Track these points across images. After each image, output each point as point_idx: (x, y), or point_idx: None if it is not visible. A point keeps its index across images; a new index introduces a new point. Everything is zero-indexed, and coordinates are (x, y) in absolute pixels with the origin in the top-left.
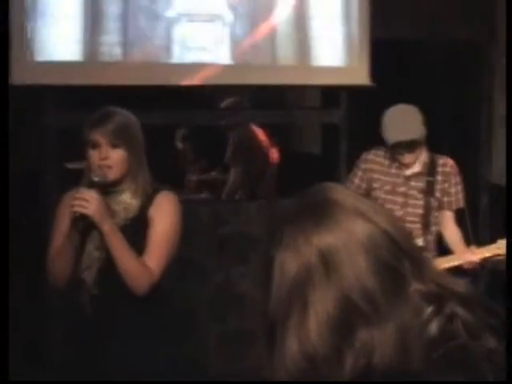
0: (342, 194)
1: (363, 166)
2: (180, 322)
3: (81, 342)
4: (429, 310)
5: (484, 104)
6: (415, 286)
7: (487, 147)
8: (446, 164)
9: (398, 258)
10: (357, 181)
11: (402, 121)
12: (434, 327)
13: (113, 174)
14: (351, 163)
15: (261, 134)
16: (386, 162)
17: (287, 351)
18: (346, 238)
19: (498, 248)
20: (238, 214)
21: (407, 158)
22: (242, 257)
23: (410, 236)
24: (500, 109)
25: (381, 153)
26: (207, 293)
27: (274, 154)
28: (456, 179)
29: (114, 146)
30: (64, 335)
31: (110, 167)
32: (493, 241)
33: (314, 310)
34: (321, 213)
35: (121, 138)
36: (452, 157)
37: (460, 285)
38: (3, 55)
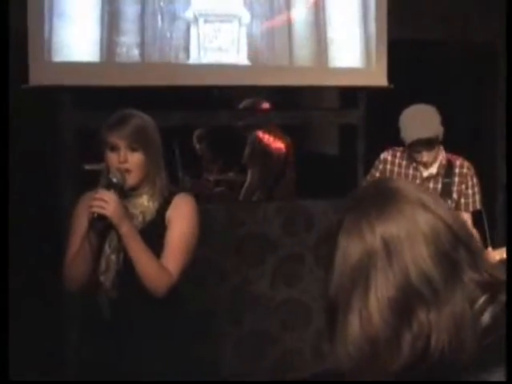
0: (404, 184)
1: (381, 166)
2: (197, 323)
3: (99, 344)
4: (482, 298)
5: (500, 105)
6: (470, 275)
7: (503, 148)
8: (463, 165)
9: (455, 248)
10: None
11: (421, 119)
12: (487, 316)
13: (132, 179)
14: (369, 164)
15: (279, 135)
16: (404, 163)
17: (349, 334)
18: (409, 227)
19: None
20: (256, 215)
21: (425, 156)
22: (259, 258)
23: (466, 227)
24: None
25: (398, 154)
26: (224, 294)
27: (292, 155)
28: (473, 181)
29: (133, 149)
30: (81, 338)
31: (129, 171)
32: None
33: (375, 293)
34: (385, 201)
35: (139, 141)
36: (468, 158)
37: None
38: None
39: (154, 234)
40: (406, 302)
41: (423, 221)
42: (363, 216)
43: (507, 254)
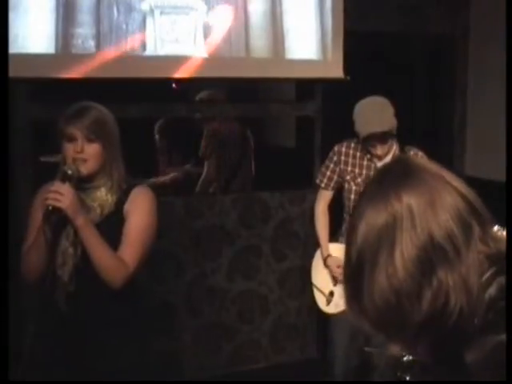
0: (426, 161)
1: (335, 158)
2: (155, 316)
3: (55, 339)
4: (490, 271)
5: (457, 96)
6: (479, 246)
7: (461, 139)
8: (417, 155)
9: (470, 219)
10: (328, 173)
11: (374, 113)
12: (494, 287)
13: (87, 168)
14: (326, 156)
15: (235, 127)
16: (358, 154)
17: (376, 286)
18: (432, 195)
19: None
20: (212, 207)
21: (379, 149)
22: (216, 250)
23: (481, 203)
24: (473, 101)
25: (353, 145)
26: (182, 286)
27: (249, 147)
28: None
29: (90, 140)
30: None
31: (84, 160)
32: None
33: (400, 250)
34: (409, 173)
35: (97, 132)
36: (426, 149)
37: None
38: None
39: (112, 226)
40: (429, 259)
41: (445, 192)
42: (390, 184)
43: (507, 254)
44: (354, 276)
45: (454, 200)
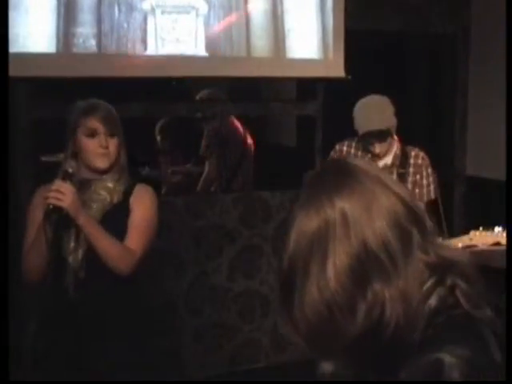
0: (364, 162)
1: (336, 156)
2: (156, 315)
3: (57, 334)
4: (430, 281)
5: (458, 96)
6: (419, 255)
7: (462, 139)
8: (418, 156)
9: (410, 225)
10: None
11: (372, 111)
12: (434, 299)
13: (109, 162)
14: (327, 155)
15: (236, 127)
16: (359, 154)
17: (307, 298)
18: (367, 199)
19: (471, 239)
20: (213, 206)
21: (377, 147)
22: (217, 249)
23: (422, 209)
24: (474, 100)
25: (354, 144)
26: (182, 285)
27: (250, 147)
28: (427, 171)
29: (112, 134)
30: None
31: (108, 154)
32: (465, 232)
33: (333, 260)
34: (345, 177)
35: (115, 125)
36: (427, 149)
37: (463, 256)
38: None
39: (120, 215)
40: (363, 270)
41: (382, 196)
42: (323, 188)
43: (507, 254)
44: (285, 285)
45: (391, 205)
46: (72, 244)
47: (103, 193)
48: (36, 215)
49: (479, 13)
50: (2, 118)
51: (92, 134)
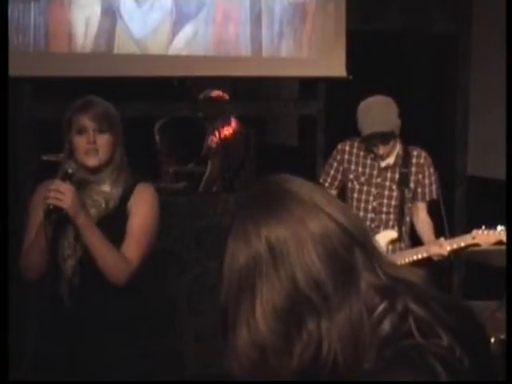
0: (297, 184)
1: (338, 156)
2: (158, 314)
3: (57, 335)
4: (381, 306)
5: (459, 95)
6: (367, 279)
7: (463, 139)
8: (420, 155)
9: (350, 251)
10: (332, 172)
11: (377, 112)
12: (386, 325)
13: (98, 159)
14: (328, 155)
15: (238, 126)
16: (362, 153)
17: (238, 340)
18: (297, 228)
19: (473, 238)
20: (215, 206)
21: (381, 149)
22: (219, 249)
23: (364, 228)
24: (475, 100)
25: (356, 144)
26: (184, 285)
27: (252, 147)
28: (429, 170)
29: (101, 131)
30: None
31: (96, 151)
32: (467, 231)
33: (260, 300)
34: (273, 203)
35: (107, 123)
36: (428, 148)
37: (415, 276)
38: None
39: (117, 221)
40: (294, 310)
41: (313, 222)
42: (250, 218)
43: (507, 255)
44: (221, 323)
45: (325, 231)
46: (66, 251)
47: (98, 198)
48: (36, 214)
49: (481, 13)
50: (1, 117)
51: (81, 130)
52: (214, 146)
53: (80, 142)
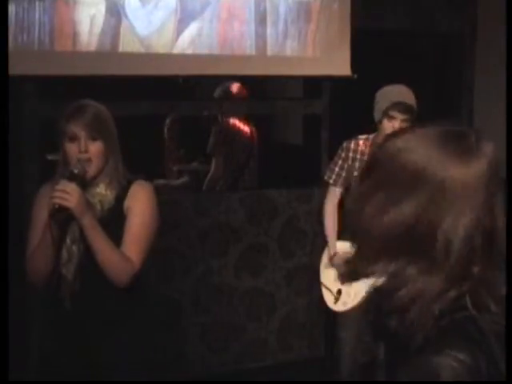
0: None
1: (343, 154)
2: (162, 314)
3: (60, 337)
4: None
5: (464, 94)
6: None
7: None
8: None
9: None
10: (337, 169)
11: (404, 89)
12: (453, 293)
13: (93, 168)
14: (333, 153)
15: (243, 125)
16: (367, 151)
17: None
18: None
19: None
20: (220, 204)
21: (397, 123)
22: (223, 248)
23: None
24: (480, 99)
25: (361, 142)
26: (188, 284)
27: (256, 145)
28: None
29: (93, 138)
30: (42, 331)
31: (89, 160)
32: None
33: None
34: None
35: (98, 130)
36: None
37: None
38: None
39: (113, 222)
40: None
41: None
42: None
43: (507, 255)
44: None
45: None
46: (68, 253)
47: (93, 200)
48: (41, 215)
49: (485, 12)
50: (1, 117)
51: (71, 138)
52: (218, 144)
53: (72, 149)
